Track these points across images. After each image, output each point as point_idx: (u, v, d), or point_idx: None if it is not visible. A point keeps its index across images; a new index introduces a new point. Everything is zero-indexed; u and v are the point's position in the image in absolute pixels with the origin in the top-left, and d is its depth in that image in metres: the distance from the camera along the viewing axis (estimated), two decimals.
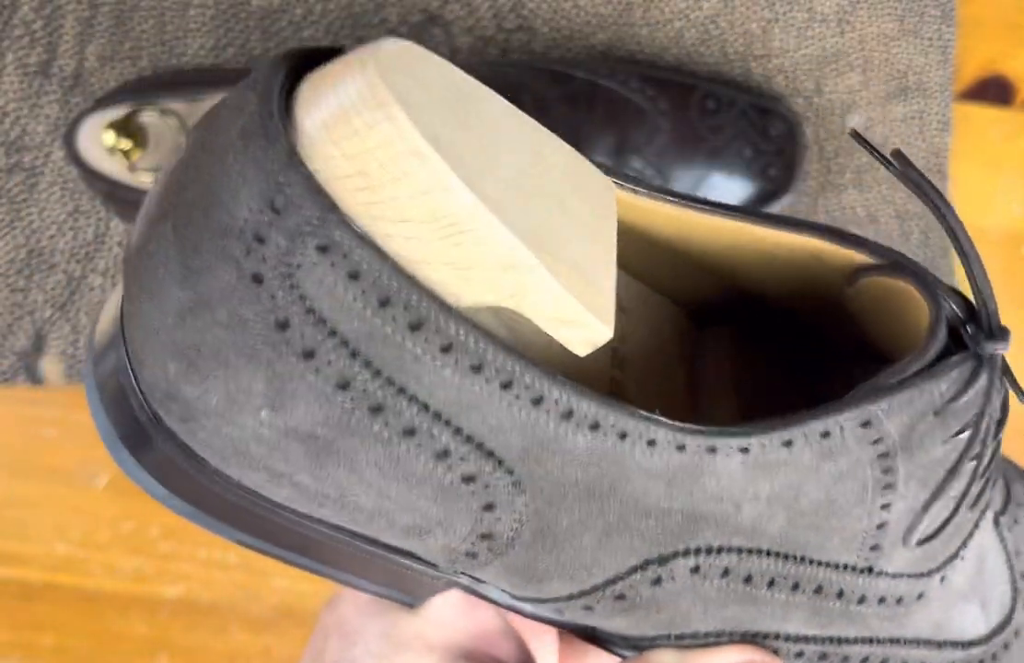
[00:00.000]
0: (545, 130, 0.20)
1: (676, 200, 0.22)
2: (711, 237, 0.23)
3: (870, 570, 0.23)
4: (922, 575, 0.24)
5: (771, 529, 0.21)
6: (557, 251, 0.18)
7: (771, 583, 0.22)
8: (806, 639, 0.24)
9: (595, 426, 0.18)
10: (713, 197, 0.43)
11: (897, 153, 0.21)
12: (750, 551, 0.21)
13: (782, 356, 0.27)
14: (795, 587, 0.22)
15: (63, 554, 0.47)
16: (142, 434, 0.19)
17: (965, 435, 0.21)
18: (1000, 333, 0.21)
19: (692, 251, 0.24)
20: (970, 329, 0.21)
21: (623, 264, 0.25)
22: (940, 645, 0.25)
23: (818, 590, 0.23)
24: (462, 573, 0.21)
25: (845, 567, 0.23)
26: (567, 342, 0.18)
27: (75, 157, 0.41)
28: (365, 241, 0.16)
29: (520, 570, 0.20)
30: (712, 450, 0.20)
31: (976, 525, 0.25)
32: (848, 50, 0.47)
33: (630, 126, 0.42)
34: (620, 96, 0.42)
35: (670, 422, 0.19)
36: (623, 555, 0.20)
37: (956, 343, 0.22)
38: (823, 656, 0.24)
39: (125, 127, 0.40)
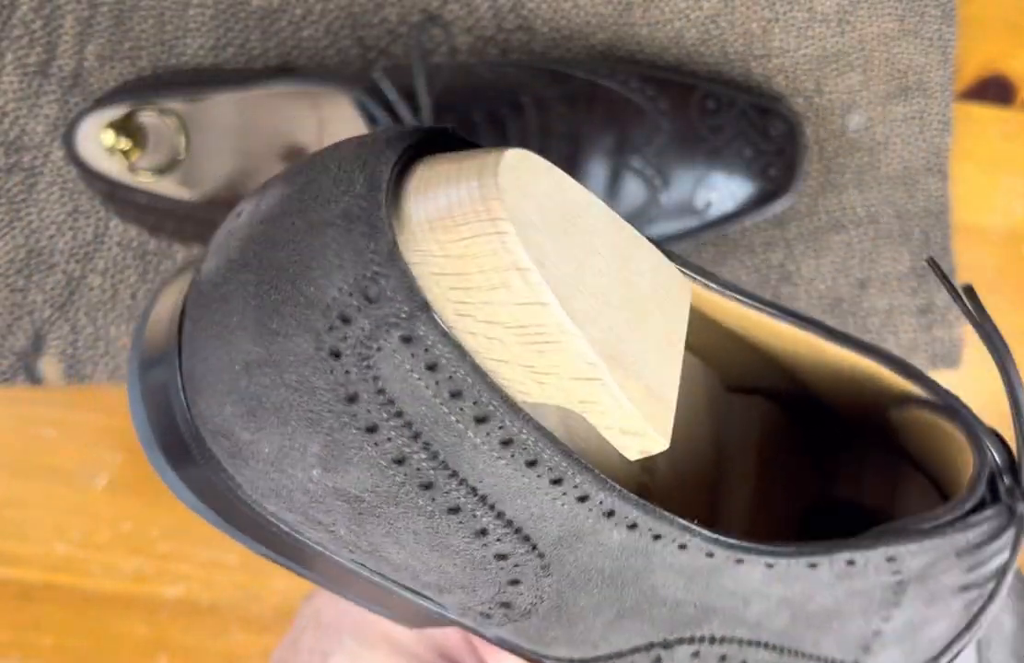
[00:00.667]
0: (635, 233, 0.20)
1: (747, 299, 0.22)
2: (773, 336, 0.23)
3: None
4: None
5: (774, 625, 0.21)
6: (630, 365, 0.18)
7: None
8: None
9: (633, 526, 0.19)
10: (714, 197, 0.43)
11: (968, 290, 0.21)
12: (750, 642, 0.22)
13: (799, 417, 0.27)
14: None
15: (62, 554, 0.47)
16: (183, 449, 0.19)
17: (986, 584, 0.22)
18: None
19: (750, 341, 0.24)
20: (1007, 480, 0.21)
21: None
22: None
23: None
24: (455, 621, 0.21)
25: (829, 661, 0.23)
26: (622, 448, 0.18)
27: (74, 157, 0.41)
28: (449, 339, 0.16)
29: (529, 635, 0.21)
30: (740, 561, 0.20)
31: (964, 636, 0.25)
32: (848, 50, 0.47)
33: (630, 126, 0.42)
34: (620, 96, 0.42)
35: (704, 532, 0.19)
36: (631, 636, 0.21)
37: (989, 487, 0.22)
38: None
39: (124, 127, 0.40)
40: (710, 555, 0.20)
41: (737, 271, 0.47)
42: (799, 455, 0.27)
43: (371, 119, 0.40)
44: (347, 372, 0.17)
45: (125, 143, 0.40)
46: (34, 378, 0.45)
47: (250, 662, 0.47)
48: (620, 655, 0.21)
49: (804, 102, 0.47)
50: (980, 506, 0.21)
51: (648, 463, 0.24)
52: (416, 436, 0.17)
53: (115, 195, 0.41)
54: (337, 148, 0.18)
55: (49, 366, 0.45)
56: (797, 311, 0.22)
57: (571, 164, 0.42)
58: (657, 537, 0.19)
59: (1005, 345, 0.21)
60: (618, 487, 0.18)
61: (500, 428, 0.17)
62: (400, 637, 0.23)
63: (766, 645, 0.22)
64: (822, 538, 0.21)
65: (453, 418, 0.17)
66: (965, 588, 0.22)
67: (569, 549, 0.19)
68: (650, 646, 0.21)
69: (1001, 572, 0.21)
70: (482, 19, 0.46)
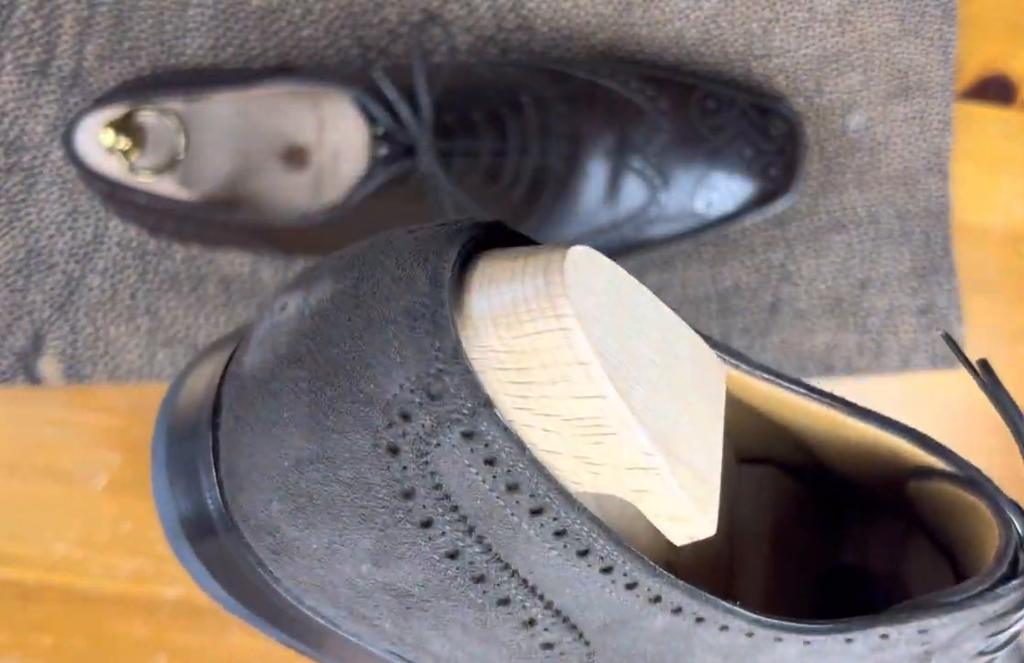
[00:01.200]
0: (678, 319, 0.20)
1: (770, 378, 0.22)
2: (791, 411, 0.23)
3: None
4: None
5: None
6: (680, 452, 0.18)
7: None
8: None
9: (678, 610, 0.19)
10: (714, 197, 0.43)
11: (983, 363, 0.21)
12: None
13: (810, 485, 0.27)
14: None
15: (62, 554, 0.47)
16: (207, 529, 0.19)
17: (1001, 641, 0.22)
18: None
19: (767, 415, 0.24)
20: None
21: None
22: None
23: None
24: None
25: None
26: (670, 534, 0.18)
27: (74, 157, 0.41)
28: (510, 434, 0.16)
29: None
30: (779, 639, 0.20)
31: None
32: (849, 50, 0.47)
33: (630, 126, 0.42)
34: (620, 96, 0.42)
35: (747, 613, 0.19)
36: None
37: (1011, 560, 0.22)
38: None
39: (124, 127, 0.40)
40: (750, 635, 0.19)
41: (737, 271, 0.47)
42: (809, 523, 0.27)
43: (371, 119, 0.39)
44: (404, 468, 0.17)
45: (124, 143, 0.40)
46: (34, 378, 0.45)
47: (250, 662, 0.47)
48: None
49: (804, 102, 0.47)
50: (1006, 577, 0.21)
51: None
52: (471, 530, 0.17)
53: (114, 195, 0.41)
54: (392, 242, 0.17)
55: (49, 366, 0.45)
56: (817, 388, 0.22)
57: (571, 164, 0.42)
58: (700, 620, 0.19)
59: (1021, 414, 0.21)
60: (667, 574, 0.18)
61: (555, 519, 0.17)
62: None
63: None
64: (836, 606, 0.20)
65: (509, 511, 0.17)
66: (982, 653, 0.22)
67: (613, 635, 0.19)
68: None
69: (1013, 636, 0.22)
70: (482, 19, 0.46)
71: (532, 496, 0.17)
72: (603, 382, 0.16)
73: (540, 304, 0.16)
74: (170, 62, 0.45)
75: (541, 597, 0.18)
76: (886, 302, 0.47)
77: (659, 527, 0.18)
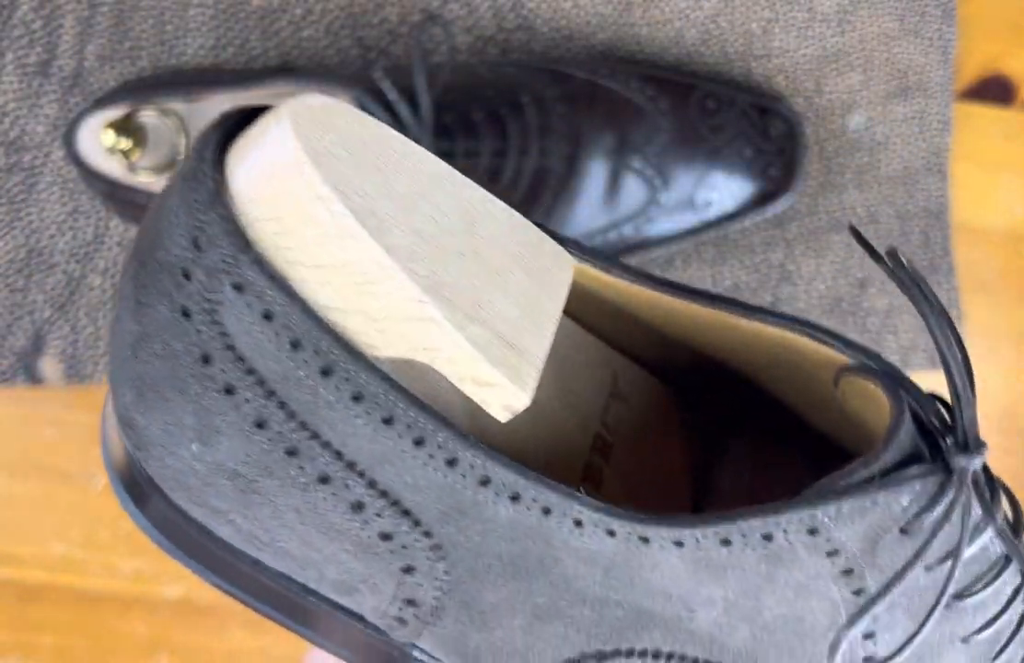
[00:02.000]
0: (494, 200, 0.20)
1: (650, 284, 0.21)
2: (687, 318, 0.23)
3: None
4: None
5: (733, 643, 0.20)
6: (474, 312, 0.18)
7: None
8: None
9: (515, 497, 0.18)
10: (714, 197, 0.43)
11: (892, 252, 0.20)
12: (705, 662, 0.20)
13: (794, 464, 0.26)
14: None
15: (62, 554, 0.47)
16: (134, 479, 0.20)
17: (947, 564, 0.20)
18: (975, 446, 0.19)
19: (658, 326, 0.23)
20: (948, 440, 0.19)
21: (618, 345, 0.25)
22: None
23: None
24: (411, 644, 0.21)
25: None
26: (484, 404, 0.18)
27: (74, 157, 0.41)
28: (276, 282, 0.17)
29: (453, 645, 0.20)
30: (644, 539, 0.18)
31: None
32: (849, 50, 0.47)
33: (630, 126, 0.42)
34: (620, 96, 0.42)
35: (593, 502, 0.18)
36: (557, 644, 0.19)
37: (931, 450, 0.20)
38: None
39: (125, 127, 0.40)
40: (611, 533, 0.18)
41: (737, 271, 0.47)
42: (689, 440, 0.26)
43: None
44: (198, 331, 0.17)
45: (125, 143, 0.40)
46: (34, 378, 0.45)
47: (250, 662, 0.48)
48: None
49: (804, 102, 0.47)
50: (907, 464, 0.19)
51: (601, 444, 0.23)
52: (271, 394, 0.17)
53: (115, 195, 0.41)
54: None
55: (49, 366, 0.45)
56: (701, 289, 0.22)
57: (571, 164, 0.42)
58: (547, 511, 0.18)
59: (934, 299, 0.19)
60: (482, 444, 0.18)
61: (347, 380, 0.17)
62: None
63: None
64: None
65: (301, 372, 0.17)
66: (958, 597, 0.20)
67: (456, 527, 0.18)
68: (583, 657, 0.19)
69: (953, 555, 0.19)
70: (482, 19, 0.46)
71: (316, 352, 0.17)
72: (347, 218, 0.16)
73: (276, 146, 0.17)
74: (171, 62, 0.45)
75: (362, 474, 0.18)
76: (885, 302, 0.48)
77: (472, 396, 0.18)
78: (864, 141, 0.47)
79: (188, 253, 0.17)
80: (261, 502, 0.18)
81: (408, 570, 0.19)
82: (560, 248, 0.21)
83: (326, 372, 0.17)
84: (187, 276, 0.17)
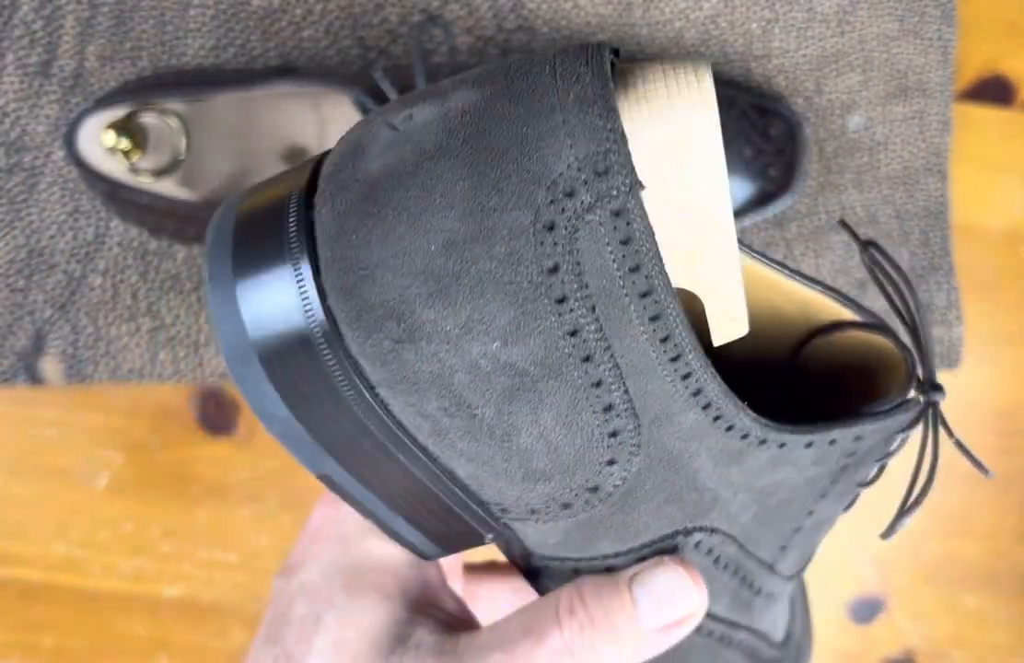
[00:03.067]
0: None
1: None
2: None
3: (771, 568, 0.26)
4: (787, 579, 0.27)
5: (742, 519, 0.24)
6: (740, 266, 0.20)
7: (726, 566, 0.24)
8: (718, 619, 0.26)
9: (707, 406, 0.21)
10: None
11: (870, 242, 0.24)
12: (727, 536, 0.24)
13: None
14: (735, 572, 0.25)
15: (63, 554, 0.47)
16: (298, 343, 0.20)
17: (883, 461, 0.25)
18: (939, 388, 0.24)
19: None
20: (921, 377, 0.24)
21: None
22: (769, 642, 0.29)
23: (744, 579, 0.25)
24: (506, 525, 0.23)
25: (762, 562, 0.25)
26: (716, 331, 0.21)
27: (75, 157, 0.41)
28: (646, 216, 0.18)
29: (585, 529, 0.22)
30: (763, 442, 0.22)
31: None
32: (848, 50, 0.47)
33: None
34: None
35: (756, 416, 0.21)
36: (666, 523, 0.22)
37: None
38: (725, 639, 0.27)
39: (125, 127, 0.40)
40: (745, 436, 0.21)
41: None
42: None
43: None
44: (556, 244, 0.18)
45: (126, 143, 0.40)
46: (35, 378, 0.45)
47: None
48: (651, 544, 0.23)
49: (804, 102, 0.47)
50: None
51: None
52: (592, 308, 0.19)
53: (116, 195, 0.41)
54: (532, 58, 0.19)
55: (50, 366, 0.45)
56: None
57: None
58: (717, 418, 0.21)
59: (912, 290, 0.24)
60: (724, 385, 0.20)
61: (656, 303, 0.19)
62: (388, 583, 0.23)
63: (734, 540, 0.24)
64: None
65: (625, 292, 0.19)
66: (860, 484, 0.25)
67: (659, 429, 0.20)
68: (674, 534, 0.23)
69: (890, 455, 0.25)
70: (482, 19, 0.46)
71: (647, 277, 0.19)
72: (723, 175, 0.19)
73: (692, 100, 0.18)
74: (171, 63, 0.45)
75: (623, 381, 0.20)
76: (884, 302, 0.48)
77: (713, 325, 0.20)
78: (864, 141, 0.48)
79: (581, 175, 0.18)
80: (528, 399, 0.20)
81: (611, 462, 0.21)
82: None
83: (644, 294, 0.19)
84: (570, 194, 0.18)
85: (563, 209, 0.18)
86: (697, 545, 0.23)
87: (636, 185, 0.18)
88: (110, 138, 0.40)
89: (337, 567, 0.23)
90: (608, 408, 0.20)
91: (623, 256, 0.19)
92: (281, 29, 0.45)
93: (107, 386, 0.46)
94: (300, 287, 0.20)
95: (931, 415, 0.24)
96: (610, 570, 0.23)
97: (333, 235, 0.19)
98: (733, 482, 0.22)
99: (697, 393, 0.20)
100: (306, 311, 0.20)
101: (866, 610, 0.50)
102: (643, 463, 0.21)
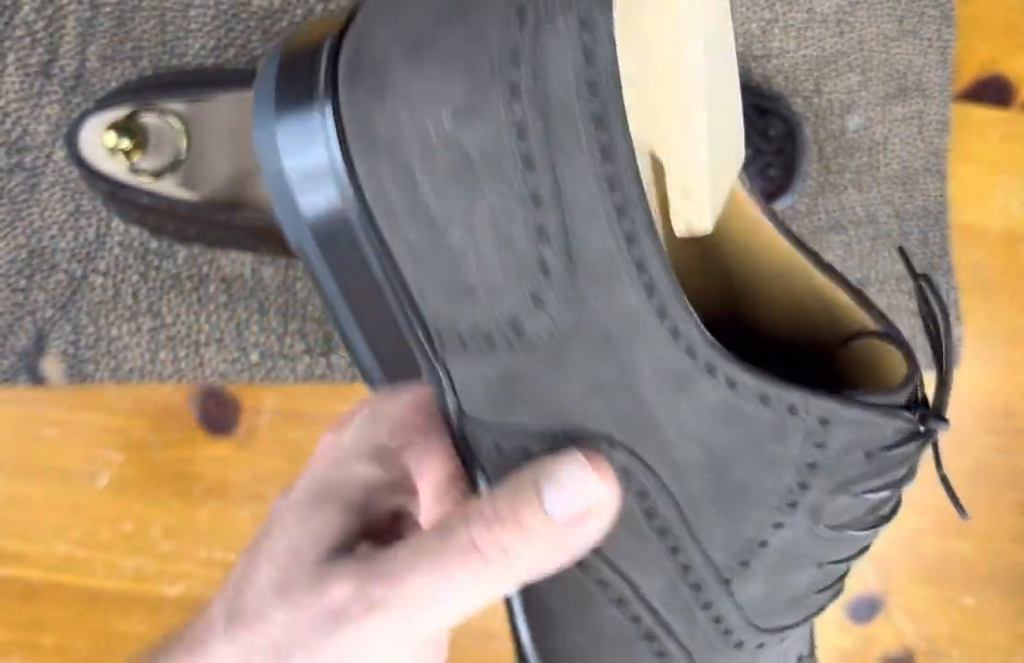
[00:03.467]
0: (735, 62, 0.23)
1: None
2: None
3: (727, 585, 0.24)
4: (761, 630, 0.25)
5: (690, 481, 0.22)
6: (713, 143, 0.20)
7: (661, 532, 0.23)
8: (645, 602, 0.24)
9: (663, 314, 0.20)
10: None
11: (925, 276, 0.24)
12: (665, 489, 0.22)
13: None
14: (673, 551, 0.23)
15: (64, 554, 0.47)
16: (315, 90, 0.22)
17: (879, 496, 0.23)
18: (944, 419, 0.23)
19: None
20: (929, 404, 0.23)
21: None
22: None
23: (686, 572, 0.23)
24: (443, 363, 0.23)
25: (711, 564, 0.23)
26: (674, 215, 0.21)
27: (76, 157, 0.41)
28: (611, 38, 0.19)
29: (507, 384, 0.22)
30: (765, 398, 0.21)
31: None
32: (847, 51, 0.47)
33: None
34: None
35: (758, 371, 0.21)
36: (592, 418, 0.22)
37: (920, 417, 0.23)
38: (651, 637, 0.25)
39: (126, 128, 0.40)
40: (691, 353, 0.21)
41: None
42: None
43: None
44: (522, 30, 0.19)
45: (127, 144, 0.40)
46: (36, 378, 0.45)
47: None
48: (574, 437, 0.22)
49: (803, 102, 0.47)
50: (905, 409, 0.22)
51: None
52: (543, 113, 0.19)
53: (117, 195, 0.41)
54: None
55: (51, 366, 0.45)
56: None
57: None
58: (663, 313, 0.20)
59: (947, 331, 0.24)
60: (661, 246, 0.20)
61: (606, 136, 0.19)
62: (355, 498, 0.23)
63: (676, 504, 0.23)
64: None
65: (579, 108, 0.19)
66: (863, 493, 0.23)
67: (595, 291, 0.20)
68: (596, 437, 0.22)
69: (890, 486, 0.23)
70: None
71: (603, 102, 0.19)
72: (701, 18, 0.19)
73: None
74: (172, 63, 0.45)
75: (562, 209, 0.20)
76: (884, 302, 0.48)
77: (672, 198, 0.20)
78: (863, 142, 0.48)
79: None
80: (463, 191, 0.20)
81: (537, 301, 0.21)
82: (742, 128, 0.23)
83: (596, 118, 0.19)
84: None
85: (537, 4, 0.19)
86: (626, 474, 0.22)
87: (606, 2, 0.18)
88: (111, 138, 0.40)
89: (318, 481, 0.24)
90: (541, 231, 0.20)
91: (583, 69, 0.19)
92: (282, 29, 0.45)
93: (108, 386, 0.46)
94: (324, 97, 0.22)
95: (927, 443, 0.23)
96: (528, 457, 0.23)
97: (357, 25, 0.22)
98: (681, 419, 0.21)
99: (641, 266, 0.20)
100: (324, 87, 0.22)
101: (865, 609, 0.50)
102: (572, 324, 0.21)
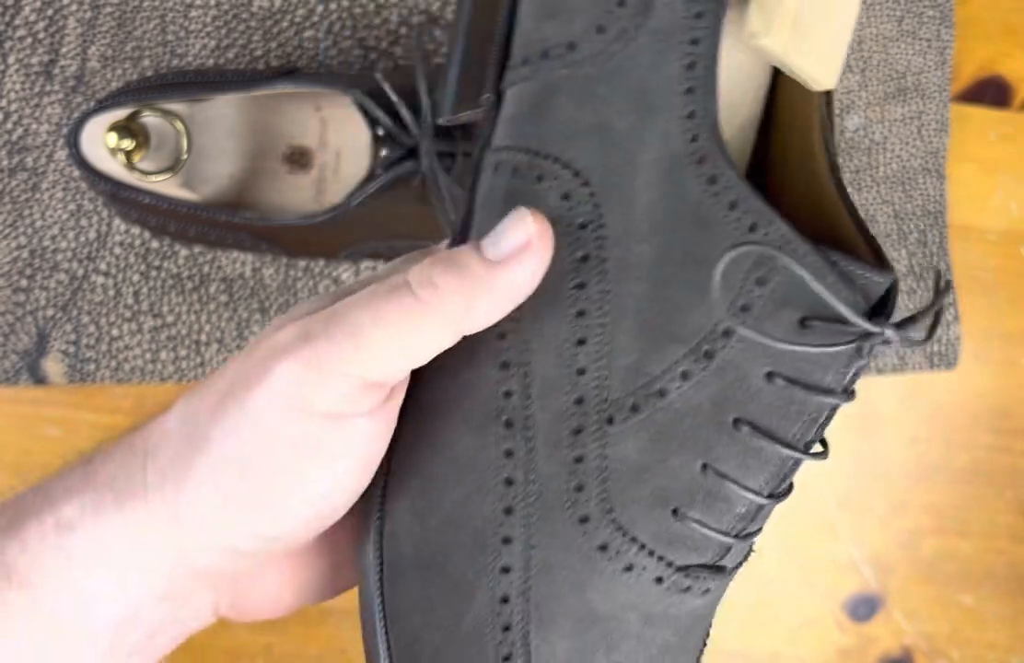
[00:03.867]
0: None
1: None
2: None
3: (610, 422, 0.22)
4: (617, 526, 0.23)
5: (628, 285, 0.22)
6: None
7: (580, 314, 0.23)
8: (527, 419, 0.23)
9: (692, 95, 0.22)
10: None
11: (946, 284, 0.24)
12: (606, 277, 0.22)
13: None
14: (580, 342, 0.23)
15: None
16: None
17: (799, 396, 0.22)
18: (903, 339, 0.22)
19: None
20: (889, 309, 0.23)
21: None
22: None
23: (579, 373, 0.22)
24: (501, 94, 0.24)
25: (604, 388, 0.22)
26: (801, 72, 0.22)
27: (77, 158, 0.41)
28: None
29: (540, 100, 0.23)
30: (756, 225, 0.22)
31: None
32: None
33: None
34: None
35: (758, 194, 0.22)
36: (582, 155, 0.23)
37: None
38: (508, 452, 0.23)
39: (127, 128, 0.41)
40: (694, 140, 0.22)
41: None
42: None
43: (372, 120, 0.40)
44: None
45: (128, 144, 0.40)
46: (38, 377, 0.46)
47: (252, 660, 0.48)
48: (564, 163, 0.23)
49: None
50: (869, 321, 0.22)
51: None
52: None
53: (118, 196, 0.41)
54: None
55: (52, 365, 0.46)
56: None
57: None
58: (691, 93, 0.22)
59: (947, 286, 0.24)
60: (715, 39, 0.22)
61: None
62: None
63: (608, 295, 0.22)
64: None
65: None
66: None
67: (652, 42, 0.22)
68: (579, 169, 0.23)
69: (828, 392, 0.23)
70: None
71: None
72: None
73: None
74: (173, 64, 0.45)
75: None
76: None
77: (799, 64, 0.22)
78: (862, 142, 0.48)
79: None
80: None
81: (600, 28, 0.23)
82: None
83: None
84: None
85: None
86: (581, 229, 0.22)
87: None
88: (112, 139, 0.40)
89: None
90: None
91: None
92: (283, 30, 0.45)
93: (109, 385, 0.46)
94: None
95: (864, 350, 0.22)
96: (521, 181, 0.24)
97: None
98: (654, 204, 0.22)
99: (695, 42, 0.22)
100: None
101: (864, 608, 0.50)
102: (619, 59, 0.22)
